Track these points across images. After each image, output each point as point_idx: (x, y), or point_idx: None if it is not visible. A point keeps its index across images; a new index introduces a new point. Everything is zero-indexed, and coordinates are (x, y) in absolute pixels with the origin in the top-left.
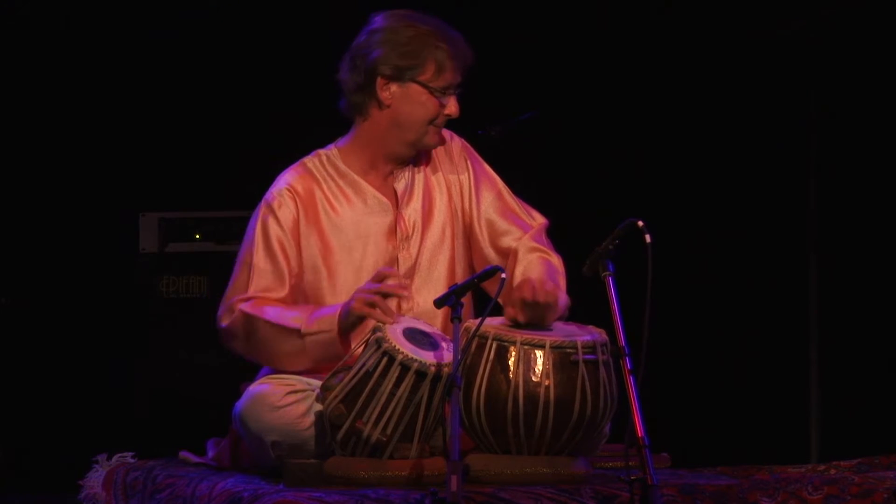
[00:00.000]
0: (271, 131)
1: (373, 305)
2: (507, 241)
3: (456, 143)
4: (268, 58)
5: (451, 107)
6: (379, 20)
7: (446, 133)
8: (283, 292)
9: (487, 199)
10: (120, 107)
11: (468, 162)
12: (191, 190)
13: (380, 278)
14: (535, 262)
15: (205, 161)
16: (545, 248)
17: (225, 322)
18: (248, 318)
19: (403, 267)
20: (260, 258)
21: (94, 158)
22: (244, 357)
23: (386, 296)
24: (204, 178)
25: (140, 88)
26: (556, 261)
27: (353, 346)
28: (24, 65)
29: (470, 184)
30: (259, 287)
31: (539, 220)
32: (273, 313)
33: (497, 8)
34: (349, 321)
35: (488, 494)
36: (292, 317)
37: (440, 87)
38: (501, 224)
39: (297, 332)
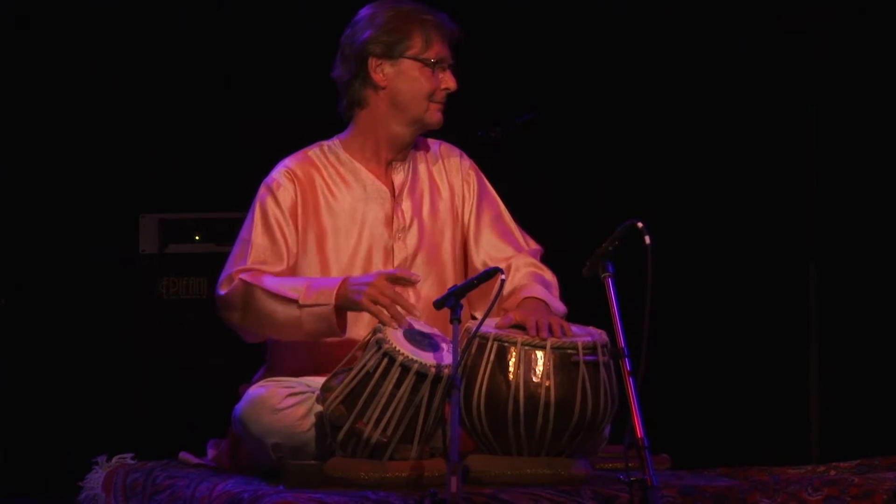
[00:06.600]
0: (271, 133)
1: (380, 304)
2: (501, 260)
3: (465, 160)
4: (268, 59)
5: (448, 80)
6: (362, 11)
7: (456, 151)
8: (280, 267)
9: (487, 216)
10: (120, 108)
11: (475, 179)
12: (190, 191)
13: (394, 279)
14: (527, 276)
15: (204, 162)
16: (539, 264)
17: (224, 290)
18: (247, 287)
19: (398, 258)
20: (258, 234)
21: (94, 160)
22: (239, 330)
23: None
24: (203, 180)
25: (140, 89)
26: (549, 275)
27: (348, 327)
28: (24, 66)
29: (473, 199)
30: (257, 260)
31: (533, 246)
32: (271, 283)
33: (496, 8)
34: (349, 301)
35: (488, 496)
36: (291, 287)
37: (431, 59)
38: (497, 243)
39: (294, 303)
